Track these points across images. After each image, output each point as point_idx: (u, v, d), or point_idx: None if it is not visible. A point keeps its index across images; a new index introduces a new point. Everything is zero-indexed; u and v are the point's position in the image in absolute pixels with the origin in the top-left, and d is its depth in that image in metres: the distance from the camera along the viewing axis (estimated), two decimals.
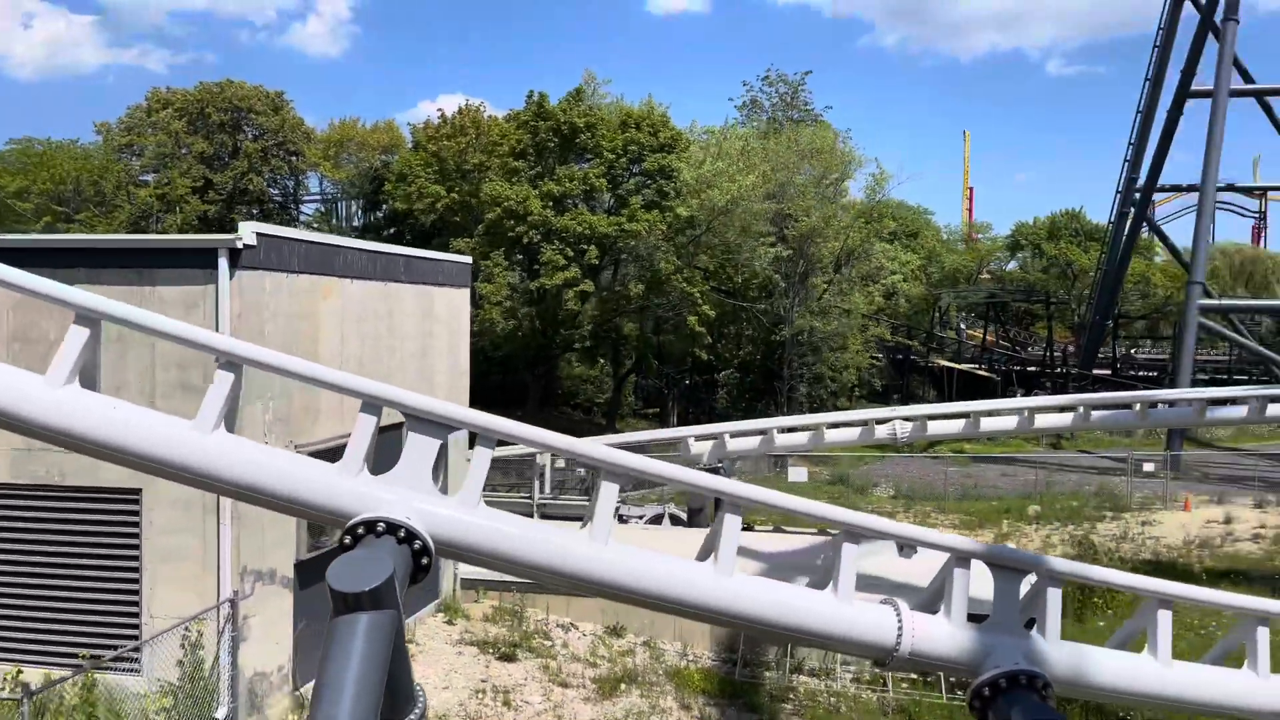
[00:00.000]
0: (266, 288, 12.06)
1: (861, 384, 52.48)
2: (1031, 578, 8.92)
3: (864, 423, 25.59)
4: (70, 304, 7.77)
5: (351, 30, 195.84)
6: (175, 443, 7.56)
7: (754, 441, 25.34)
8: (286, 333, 12.48)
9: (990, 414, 25.15)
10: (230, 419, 7.86)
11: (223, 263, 11.57)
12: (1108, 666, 8.80)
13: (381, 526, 7.34)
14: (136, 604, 12.57)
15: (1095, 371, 66.52)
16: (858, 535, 8.60)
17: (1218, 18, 52.82)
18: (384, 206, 60.39)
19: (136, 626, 12.49)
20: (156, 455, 7.56)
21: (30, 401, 7.58)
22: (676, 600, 8.04)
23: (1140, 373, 76.30)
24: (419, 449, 7.85)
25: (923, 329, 69.98)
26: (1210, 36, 48.76)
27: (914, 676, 16.02)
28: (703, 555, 8.45)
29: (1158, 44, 62.92)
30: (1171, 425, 35.08)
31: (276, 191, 62.12)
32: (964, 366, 70.63)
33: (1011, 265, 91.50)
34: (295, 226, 53.02)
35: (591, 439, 11.43)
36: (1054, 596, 8.84)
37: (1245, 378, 65.93)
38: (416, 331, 16.19)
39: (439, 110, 49.44)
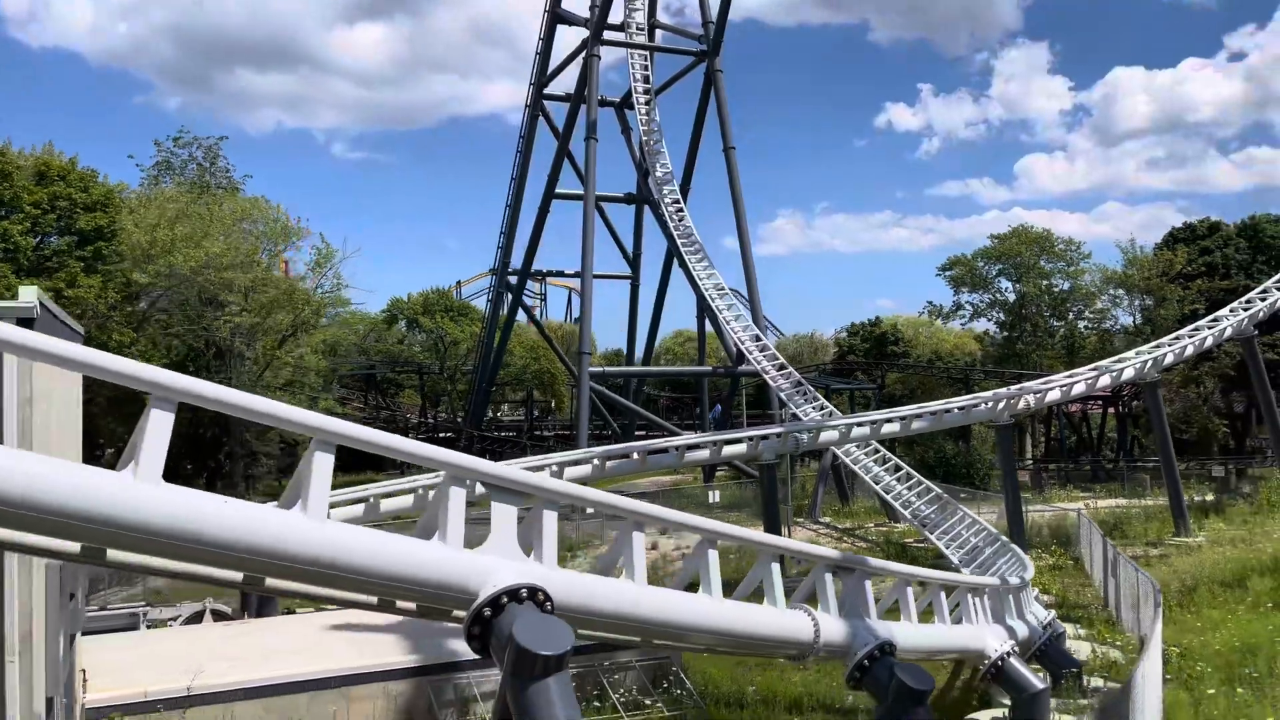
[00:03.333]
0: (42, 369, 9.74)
1: None
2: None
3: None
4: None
5: None
6: (284, 532, 6.82)
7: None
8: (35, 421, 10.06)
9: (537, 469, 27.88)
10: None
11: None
12: (906, 632, 12.10)
13: (524, 592, 7.58)
14: None
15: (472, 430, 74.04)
16: (779, 554, 10.69)
17: (575, 142, 63.46)
18: None
19: None
20: (267, 548, 6.74)
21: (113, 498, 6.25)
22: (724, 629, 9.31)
23: (504, 433, 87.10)
24: (504, 516, 8.13)
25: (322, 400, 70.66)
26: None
27: None
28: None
29: (520, 150, 73.43)
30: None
31: None
32: None
33: (371, 338, 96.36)
34: None
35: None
36: (868, 585, 11.89)
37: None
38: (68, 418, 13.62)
39: None
